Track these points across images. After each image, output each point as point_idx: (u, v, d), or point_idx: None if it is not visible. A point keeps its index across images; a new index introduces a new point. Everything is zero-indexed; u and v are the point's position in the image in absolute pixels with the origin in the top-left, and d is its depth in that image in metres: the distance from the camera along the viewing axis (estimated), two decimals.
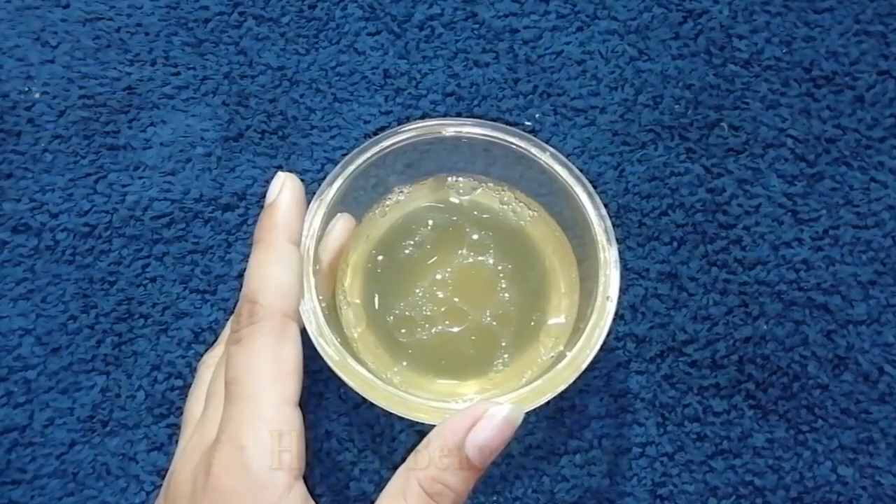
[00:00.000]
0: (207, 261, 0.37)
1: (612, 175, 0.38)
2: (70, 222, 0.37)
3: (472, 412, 0.27)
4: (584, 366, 0.29)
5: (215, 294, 0.37)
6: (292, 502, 0.26)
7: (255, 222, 0.38)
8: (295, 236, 0.30)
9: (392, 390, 0.28)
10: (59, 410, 0.35)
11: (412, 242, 0.34)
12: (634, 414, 0.35)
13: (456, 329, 0.32)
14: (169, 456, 0.35)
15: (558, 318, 0.33)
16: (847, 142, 0.38)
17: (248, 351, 0.28)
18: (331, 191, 0.31)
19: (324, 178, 0.32)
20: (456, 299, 0.33)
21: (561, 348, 0.32)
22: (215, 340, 0.35)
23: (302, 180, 0.38)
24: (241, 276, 0.35)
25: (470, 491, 0.27)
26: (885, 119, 0.39)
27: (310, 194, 0.31)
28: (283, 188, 0.30)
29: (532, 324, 0.33)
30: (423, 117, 0.39)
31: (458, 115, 0.39)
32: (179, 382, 0.36)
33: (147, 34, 0.40)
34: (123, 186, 0.38)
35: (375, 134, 0.33)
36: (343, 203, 0.32)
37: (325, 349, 0.29)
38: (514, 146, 0.32)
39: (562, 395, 0.29)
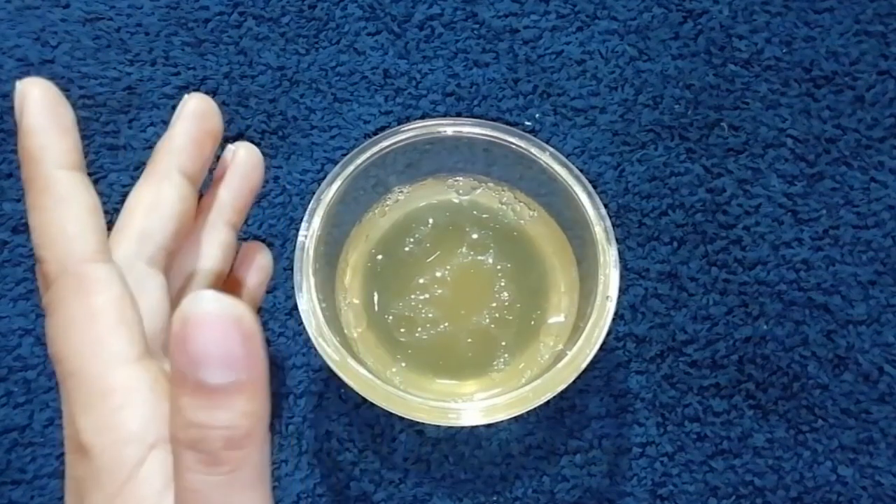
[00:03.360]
0: None
1: (612, 175, 0.38)
2: None
3: (175, 322, 0.20)
4: (584, 365, 0.29)
5: None
6: (147, 476, 0.22)
7: (253, 222, 0.38)
8: (61, 158, 0.23)
9: (392, 390, 0.28)
10: (59, 410, 0.35)
11: (412, 242, 0.34)
12: (634, 414, 0.35)
13: (456, 329, 0.32)
14: None
15: (558, 317, 0.33)
16: (847, 142, 0.38)
17: (56, 321, 0.23)
18: (331, 191, 0.31)
19: (324, 178, 0.32)
20: (456, 299, 0.33)
21: (561, 347, 0.32)
22: None
23: (301, 181, 0.38)
24: None
25: (252, 412, 0.21)
26: (885, 119, 0.39)
27: (310, 194, 0.31)
28: (26, 101, 0.23)
29: (532, 323, 0.33)
30: (423, 117, 0.39)
31: (458, 115, 0.39)
32: None
33: (147, 34, 0.40)
34: (123, 186, 0.38)
35: (375, 134, 0.33)
36: (343, 203, 0.32)
37: (325, 349, 0.29)
38: (514, 146, 0.32)
39: (562, 395, 0.29)
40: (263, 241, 0.37)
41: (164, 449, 0.22)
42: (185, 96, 0.27)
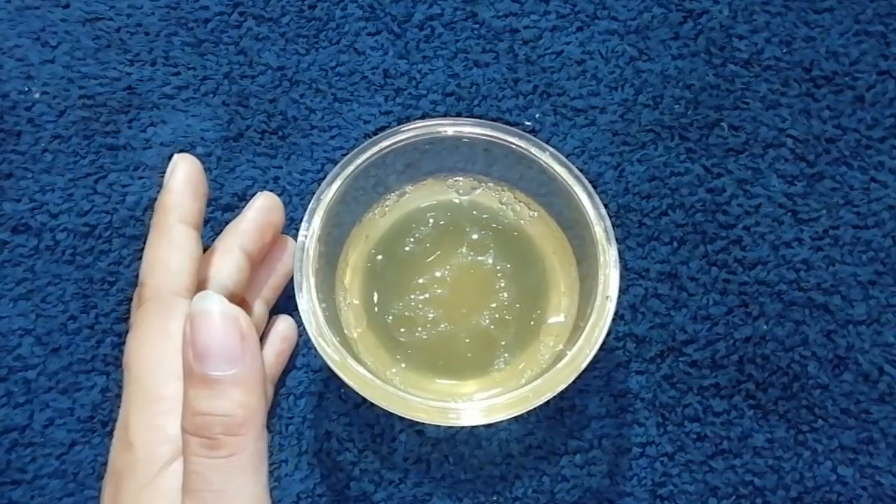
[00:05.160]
0: None
1: (612, 175, 0.38)
2: (70, 222, 0.37)
3: (185, 320, 0.25)
4: (584, 365, 0.29)
5: None
6: (173, 473, 0.26)
7: None
8: (186, 216, 0.30)
9: (392, 390, 0.28)
10: (59, 410, 0.35)
11: (412, 242, 0.34)
12: (634, 414, 0.35)
13: (456, 329, 0.32)
14: None
15: (558, 317, 0.33)
16: (847, 142, 0.38)
17: (136, 334, 0.28)
18: (331, 191, 0.31)
19: (324, 178, 0.32)
20: (456, 299, 0.33)
21: (561, 347, 0.32)
22: None
23: (301, 181, 0.38)
24: None
25: (248, 404, 0.24)
26: (885, 119, 0.39)
27: (310, 194, 0.31)
28: (176, 169, 0.30)
29: (532, 323, 0.33)
30: (423, 117, 0.39)
31: (458, 115, 0.39)
32: None
33: (147, 34, 0.40)
34: (123, 186, 0.38)
35: (375, 134, 0.33)
36: (343, 203, 0.32)
37: (325, 349, 0.29)
38: (514, 146, 0.32)
39: (562, 395, 0.29)
40: None
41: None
42: (258, 193, 0.33)
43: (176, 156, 0.30)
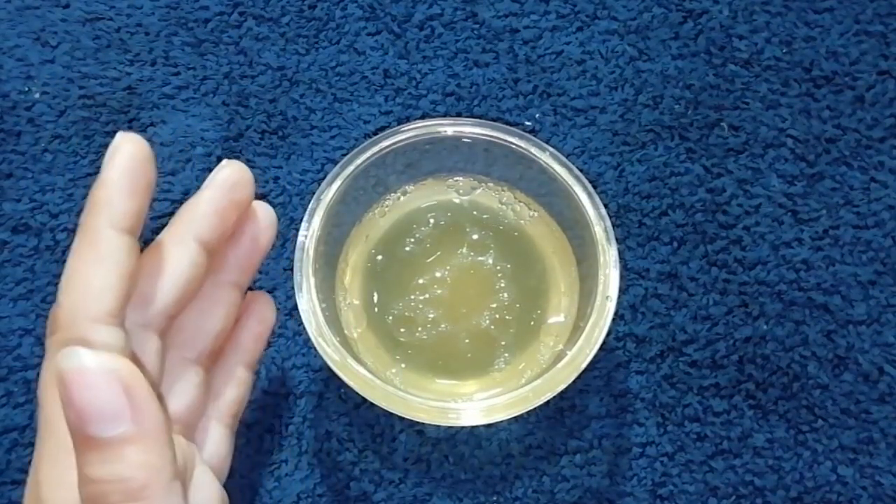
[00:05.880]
0: None
1: (612, 175, 0.38)
2: (70, 222, 0.37)
3: (56, 380, 0.20)
4: (584, 365, 0.29)
5: None
6: None
7: None
8: (118, 218, 0.23)
9: (392, 390, 0.28)
10: None
11: (412, 242, 0.34)
12: (634, 414, 0.35)
13: (456, 329, 0.32)
14: None
15: (558, 317, 0.33)
16: (847, 142, 0.38)
17: (47, 366, 0.23)
18: (330, 191, 0.31)
19: (324, 178, 0.32)
20: (456, 299, 0.33)
21: (561, 347, 0.32)
22: None
23: (301, 181, 0.38)
24: None
25: (147, 463, 0.21)
26: (885, 119, 0.39)
27: (310, 194, 0.31)
28: (115, 155, 0.23)
29: (532, 323, 0.33)
30: (423, 117, 0.39)
31: (458, 115, 0.39)
32: None
33: (147, 34, 0.40)
34: None
35: (375, 134, 0.33)
36: (343, 203, 0.32)
37: (325, 349, 0.29)
38: (514, 146, 0.32)
39: (562, 395, 0.29)
40: None
41: None
42: (223, 161, 0.27)
43: (119, 135, 0.23)
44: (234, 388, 0.29)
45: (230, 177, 0.26)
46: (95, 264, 0.23)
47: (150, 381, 0.22)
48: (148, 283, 0.25)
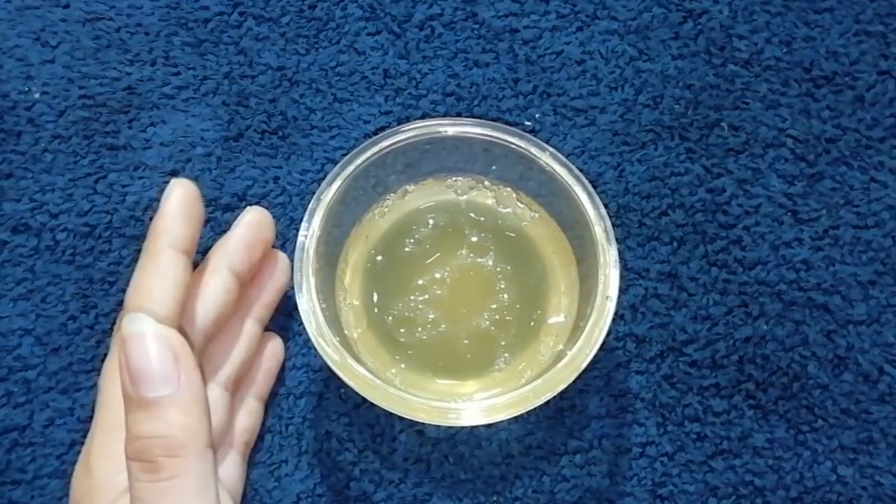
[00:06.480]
0: None
1: (612, 175, 0.38)
2: (70, 222, 0.37)
3: (117, 345, 0.25)
4: (584, 365, 0.29)
5: None
6: (128, 501, 0.25)
7: None
8: (177, 241, 0.28)
9: (392, 390, 0.28)
10: (59, 410, 0.35)
11: (412, 243, 0.34)
12: (634, 414, 0.35)
13: (456, 329, 0.32)
14: None
15: (558, 317, 0.33)
16: (847, 142, 0.38)
17: (111, 358, 0.28)
18: (330, 191, 0.31)
19: (324, 178, 0.32)
20: (456, 300, 0.33)
21: (561, 347, 0.32)
22: None
23: (301, 181, 0.38)
24: None
25: (187, 425, 0.24)
26: (885, 119, 0.39)
27: (310, 194, 0.31)
28: (171, 194, 0.29)
29: (532, 323, 0.33)
30: (423, 117, 0.39)
31: (458, 115, 0.39)
32: None
33: (147, 34, 0.40)
34: (123, 186, 0.38)
35: (375, 134, 0.33)
36: (343, 203, 0.32)
37: (325, 349, 0.29)
38: (514, 146, 0.32)
39: (562, 395, 0.29)
40: None
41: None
42: (247, 208, 0.32)
43: (173, 180, 0.29)
44: (247, 417, 0.33)
45: (255, 218, 0.32)
46: (157, 276, 0.27)
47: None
48: (190, 306, 0.29)
